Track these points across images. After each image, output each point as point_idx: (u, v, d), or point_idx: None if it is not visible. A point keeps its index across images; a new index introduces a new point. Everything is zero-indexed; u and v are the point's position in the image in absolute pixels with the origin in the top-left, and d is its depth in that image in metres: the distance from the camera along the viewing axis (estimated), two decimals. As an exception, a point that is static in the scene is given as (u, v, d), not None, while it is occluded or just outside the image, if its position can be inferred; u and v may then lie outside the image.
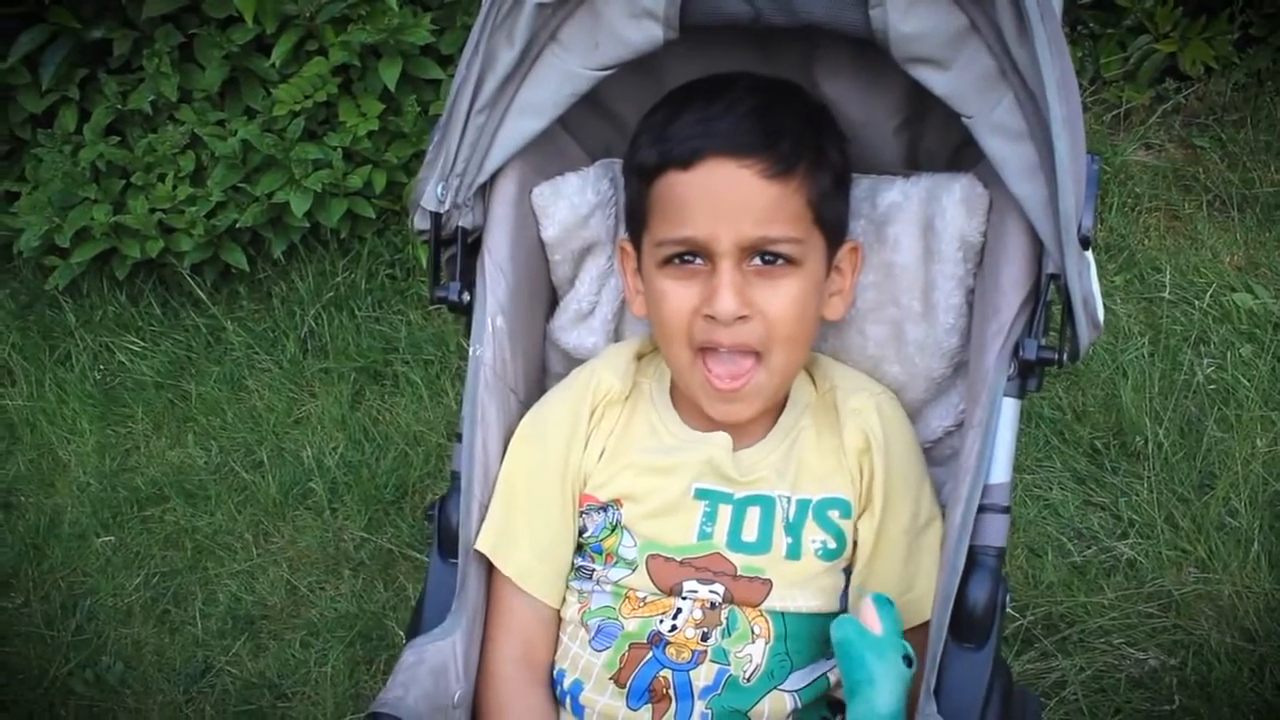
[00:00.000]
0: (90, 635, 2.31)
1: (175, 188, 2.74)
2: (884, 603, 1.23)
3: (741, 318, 1.24)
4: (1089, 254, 1.18)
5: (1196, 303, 2.54)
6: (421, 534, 2.35)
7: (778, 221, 1.24)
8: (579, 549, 1.34)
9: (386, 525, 2.38)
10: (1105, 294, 1.21)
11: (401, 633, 2.15)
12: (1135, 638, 2.01)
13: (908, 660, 1.20)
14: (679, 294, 1.27)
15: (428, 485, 2.44)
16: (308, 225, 2.76)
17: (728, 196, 1.23)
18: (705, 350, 1.27)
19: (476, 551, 1.30)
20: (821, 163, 1.27)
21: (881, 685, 1.17)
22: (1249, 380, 2.36)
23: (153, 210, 2.73)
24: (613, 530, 1.31)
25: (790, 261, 1.25)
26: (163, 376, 2.78)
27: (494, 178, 1.35)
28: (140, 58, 2.81)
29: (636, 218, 1.34)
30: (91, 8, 2.80)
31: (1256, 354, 2.43)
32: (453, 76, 2.71)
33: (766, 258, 1.25)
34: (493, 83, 1.27)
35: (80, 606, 2.36)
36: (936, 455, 1.40)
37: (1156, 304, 2.57)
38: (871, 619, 1.21)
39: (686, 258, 1.27)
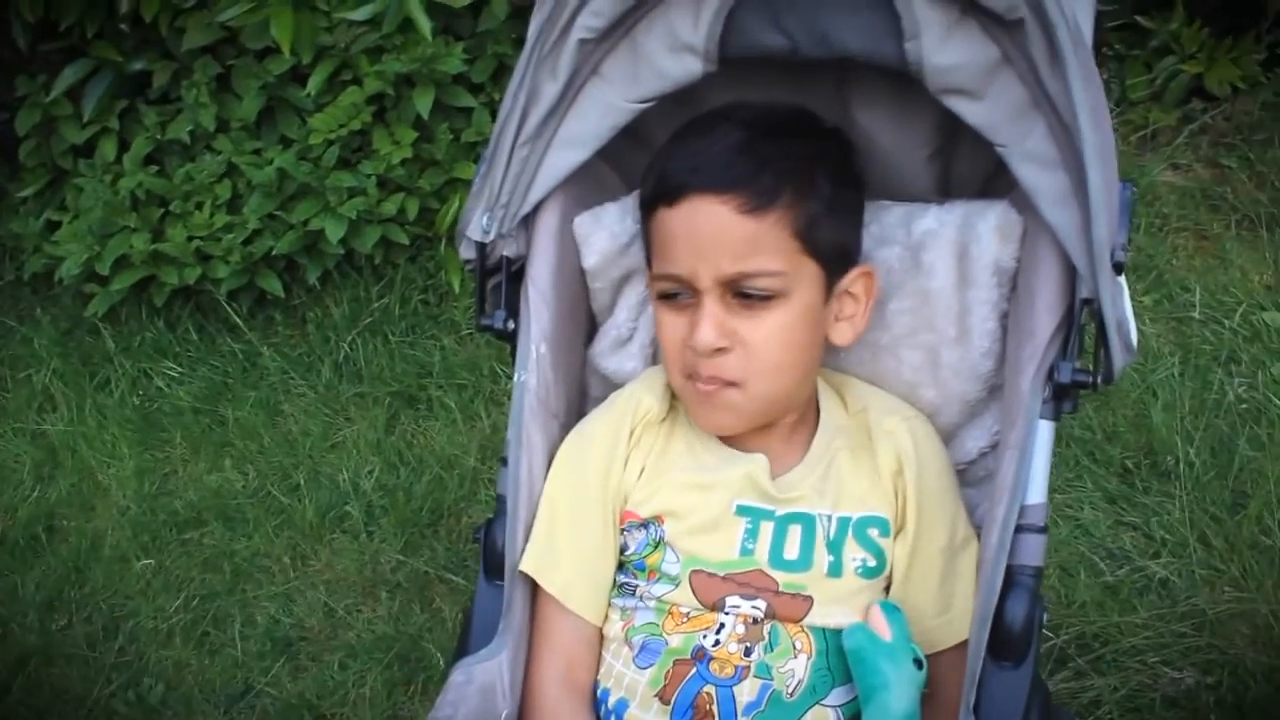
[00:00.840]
0: (132, 657, 2.34)
1: (212, 216, 2.79)
2: (891, 609, 1.27)
3: (720, 349, 1.27)
4: (1122, 279, 1.20)
5: (1226, 322, 2.54)
6: (457, 557, 2.37)
7: (756, 255, 1.25)
8: (621, 567, 1.36)
9: (423, 548, 2.41)
10: (1134, 314, 1.23)
11: (439, 654, 2.17)
12: (1169, 657, 2.01)
13: (918, 663, 1.24)
14: (672, 323, 1.31)
15: (463, 508, 2.46)
16: (342, 251, 2.81)
17: (707, 233, 1.25)
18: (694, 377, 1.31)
19: (521, 573, 1.32)
20: (809, 191, 1.27)
21: (896, 689, 1.22)
22: (1280, 399, 2.37)
23: (190, 238, 2.79)
24: (655, 547, 1.33)
25: (772, 295, 1.27)
26: (200, 402, 2.82)
27: (537, 208, 1.38)
28: (179, 89, 2.88)
29: (645, 249, 1.37)
30: (133, 41, 2.87)
31: (1287, 373, 2.43)
32: (484, 104, 2.77)
33: (747, 292, 1.26)
34: (536, 117, 1.30)
35: (122, 628, 2.39)
36: (970, 477, 1.41)
37: (1186, 324, 2.57)
38: (881, 625, 1.25)
39: (676, 293, 1.30)
